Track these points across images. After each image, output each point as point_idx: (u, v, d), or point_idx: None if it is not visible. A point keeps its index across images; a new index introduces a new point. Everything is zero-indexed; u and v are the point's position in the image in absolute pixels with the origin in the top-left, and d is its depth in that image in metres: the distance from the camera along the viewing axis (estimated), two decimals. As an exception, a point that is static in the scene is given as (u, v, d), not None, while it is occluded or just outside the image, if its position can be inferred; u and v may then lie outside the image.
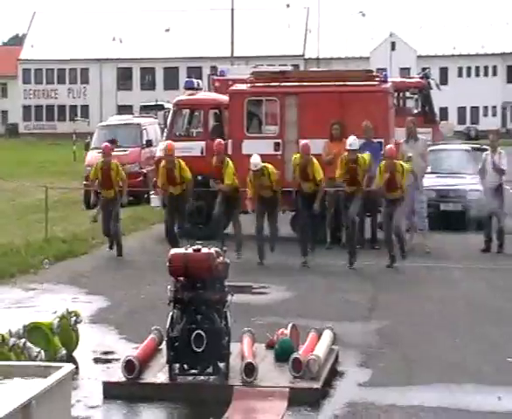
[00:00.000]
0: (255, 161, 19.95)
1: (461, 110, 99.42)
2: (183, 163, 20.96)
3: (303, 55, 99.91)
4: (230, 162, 21.27)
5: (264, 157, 24.31)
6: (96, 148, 32.06)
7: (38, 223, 24.08)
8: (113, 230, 21.35)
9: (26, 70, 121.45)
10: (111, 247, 21.60)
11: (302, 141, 20.81)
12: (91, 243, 22.24)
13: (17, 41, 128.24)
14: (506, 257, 21.24)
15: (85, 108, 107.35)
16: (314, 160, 19.86)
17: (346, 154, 20.07)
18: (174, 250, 11.85)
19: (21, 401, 5.71)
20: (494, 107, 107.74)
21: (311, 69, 51.86)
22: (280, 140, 24.72)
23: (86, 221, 24.86)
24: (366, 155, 20.50)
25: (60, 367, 6.48)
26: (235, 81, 28.61)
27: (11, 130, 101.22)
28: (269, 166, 20.41)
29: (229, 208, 21.70)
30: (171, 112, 28.62)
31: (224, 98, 26.71)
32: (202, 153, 25.68)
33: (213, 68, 45.18)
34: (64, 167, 25.25)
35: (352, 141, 19.66)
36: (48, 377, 6.22)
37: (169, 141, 22.97)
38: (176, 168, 20.87)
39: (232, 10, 53.23)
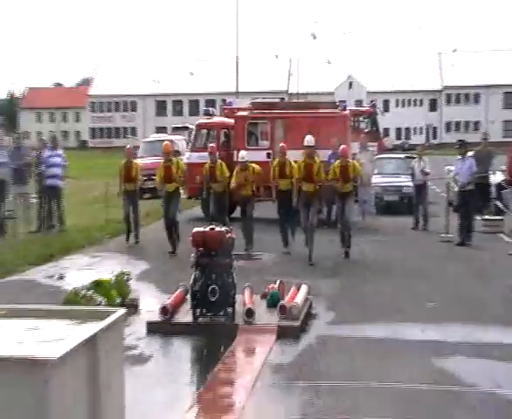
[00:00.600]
0: (242, 154, 19.00)
1: (398, 130, 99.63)
2: (224, 165, 19.43)
3: (287, 90, 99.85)
4: (222, 163, 19.64)
5: (259, 163, 24.40)
6: (142, 157, 31.78)
7: (101, 209, 24.00)
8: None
9: (93, 103, 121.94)
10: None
11: (280, 144, 19.25)
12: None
13: (86, 82, 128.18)
14: (428, 233, 21.53)
15: (134, 129, 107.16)
16: (291, 160, 18.55)
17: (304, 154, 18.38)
18: (195, 229, 11.95)
19: (89, 334, 5.75)
20: (421, 128, 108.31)
21: (292, 100, 51.55)
22: (270, 151, 24.67)
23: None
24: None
25: (116, 311, 6.50)
26: (239, 109, 28.56)
27: (82, 145, 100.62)
28: (254, 165, 19.03)
29: (221, 204, 19.79)
30: (194, 131, 28.61)
31: (231, 121, 26.65)
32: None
33: (223, 100, 44.81)
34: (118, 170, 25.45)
35: (308, 139, 17.97)
36: (107, 318, 6.24)
37: (166, 142, 21.84)
38: (173, 165, 18.92)
39: (237, 58, 53.18)
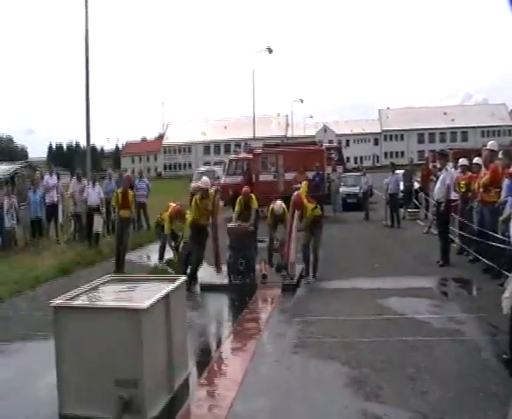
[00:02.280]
0: (205, 180, 12.20)
1: (355, 157, 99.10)
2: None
3: (286, 135, 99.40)
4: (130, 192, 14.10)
5: (268, 182, 24.48)
6: (195, 182, 31.77)
7: None
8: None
9: (165, 148, 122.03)
10: None
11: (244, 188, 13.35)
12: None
13: (160, 136, 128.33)
14: (372, 222, 21.28)
15: (190, 164, 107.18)
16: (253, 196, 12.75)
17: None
18: (229, 225, 11.98)
19: (165, 292, 5.83)
20: (369, 156, 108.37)
21: (289, 142, 51.53)
22: (276, 174, 24.71)
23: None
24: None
25: (180, 278, 6.58)
26: (255, 148, 28.66)
27: (159, 175, 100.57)
28: (215, 193, 11.91)
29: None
30: (228, 163, 28.65)
31: (251, 156, 26.66)
32: (241, 181, 25.74)
33: (245, 144, 44.95)
34: (184, 191, 25.06)
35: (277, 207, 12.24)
36: (176, 282, 6.32)
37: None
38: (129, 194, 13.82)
39: (254, 116, 53.05)
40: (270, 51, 49.88)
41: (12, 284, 11.81)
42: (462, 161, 13.63)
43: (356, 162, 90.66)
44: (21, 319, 9.45)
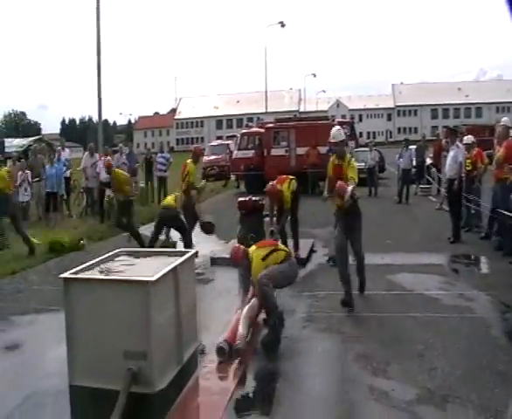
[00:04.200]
0: None
1: (368, 133, 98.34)
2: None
3: (298, 110, 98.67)
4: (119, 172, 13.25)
5: (280, 156, 24.41)
6: (207, 155, 31.72)
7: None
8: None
9: (177, 123, 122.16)
10: None
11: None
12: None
13: (172, 111, 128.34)
14: (383, 198, 21.13)
15: (202, 138, 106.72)
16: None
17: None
18: (240, 198, 11.88)
19: (173, 265, 5.84)
20: (382, 132, 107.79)
21: (301, 116, 51.31)
22: (287, 148, 24.64)
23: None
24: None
25: (190, 251, 6.59)
26: (267, 123, 28.57)
27: (171, 150, 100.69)
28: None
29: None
30: (239, 137, 28.58)
31: (262, 130, 26.62)
32: (252, 156, 25.72)
33: (258, 118, 44.96)
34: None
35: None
36: (184, 255, 6.33)
37: (108, 158, 15.56)
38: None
39: (266, 92, 52.92)
40: (282, 25, 49.58)
41: (24, 258, 11.92)
42: (467, 139, 13.57)
43: (368, 138, 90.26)
44: (33, 292, 9.55)
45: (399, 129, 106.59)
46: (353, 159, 7.62)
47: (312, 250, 11.72)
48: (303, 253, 11.09)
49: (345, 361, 5.87)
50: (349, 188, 7.36)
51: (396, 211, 17.90)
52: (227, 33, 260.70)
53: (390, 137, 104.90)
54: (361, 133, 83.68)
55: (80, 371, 5.47)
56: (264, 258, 6.99)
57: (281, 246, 7.68)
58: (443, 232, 12.85)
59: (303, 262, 10.54)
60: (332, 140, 7.59)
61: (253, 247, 7.29)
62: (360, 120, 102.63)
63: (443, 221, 13.68)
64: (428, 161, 22.63)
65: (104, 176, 17.12)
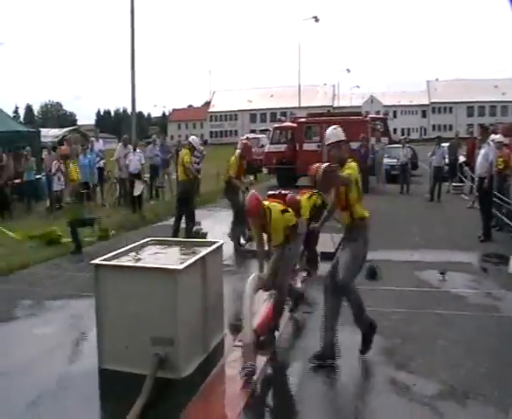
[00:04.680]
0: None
1: (402, 129, 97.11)
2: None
3: (332, 105, 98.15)
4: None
5: (312, 151, 24.34)
6: (239, 149, 31.80)
7: (213, 182, 23.72)
8: None
9: (211, 116, 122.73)
10: None
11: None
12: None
13: (206, 103, 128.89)
14: (415, 195, 20.90)
15: (236, 131, 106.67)
16: None
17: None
18: (269, 192, 11.79)
19: (201, 254, 5.97)
20: (416, 128, 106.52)
21: (334, 111, 50.99)
22: (319, 144, 24.59)
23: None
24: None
25: (218, 242, 6.71)
26: (300, 117, 28.61)
27: (204, 143, 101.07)
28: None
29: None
30: (272, 131, 28.71)
31: (295, 125, 26.66)
32: (285, 150, 25.75)
33: (291, 113, 44.83)
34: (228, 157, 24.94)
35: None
36: (213, 245, 6.46)
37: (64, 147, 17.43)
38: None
39: (299, 86, 52.85)
40: (316, 19, 49.33)
41: (59, 245, 12.20)
42: (498, 137, 13.46)
43: (403, 134, 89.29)
44: (66, 278, 9.80)
45: (434, 126, 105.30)
46: (353, 163, 5.91)
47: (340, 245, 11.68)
48: (331, 248, 11.05)
49: (368, 355, 5.90)
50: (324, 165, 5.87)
51: (427, 209, 17.79)
52: (262, 27, 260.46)
53: (425, 134, 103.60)
54: (395, 130, 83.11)
55: (109, 355, 5.66)
56: (283, 212, 6.52)
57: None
58: (474, 231, 12.75)
59: (331, 256, 10.51)
60: (327, 142, 5.96)
61: (267, 202, 6.68)
62: (394, 116, 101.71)
63: (474, 219, 13.54)
64: (461, 158, 22.39)
65: (134, 167, 17.39)
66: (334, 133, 6.01)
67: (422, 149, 31.90)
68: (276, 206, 6.54)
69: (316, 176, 6.06)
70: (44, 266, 10.68)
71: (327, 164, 5.85)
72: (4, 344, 6.73)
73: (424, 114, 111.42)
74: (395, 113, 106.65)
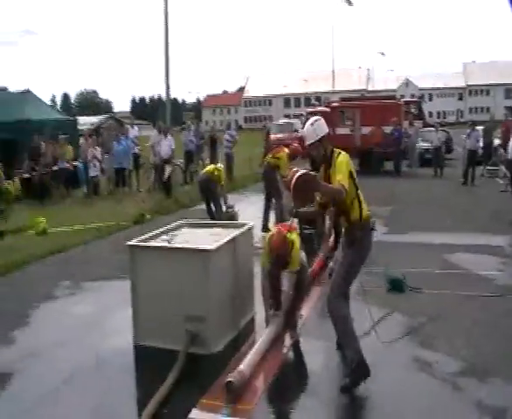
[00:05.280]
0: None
1: (438, 113, 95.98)
2: None
3: (366, 89, 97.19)
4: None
5: (345, 135, 24.33)
6: (274, 133, 31.93)
7: (246, 166, 23.84)
8: None
9: (245, 101, 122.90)
10: None
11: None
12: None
13: (241, 89, 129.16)
14: (448, 178, 20.67)
15: (270, 117, 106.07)
16: None
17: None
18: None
19: (232, 235, 6.21)
20: (452, 111, 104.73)
21: (366, 95, 50.64)
22: (352, 127, 24.57)
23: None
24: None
25: (248, 224, 6.93)
26: (333, 102, 28.59)
27: (239, 128, 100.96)
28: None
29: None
30: (305, 116, 28.72)
31: (328, 109, 26.60)
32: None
33: (326, 98, 44.75)
34: (259, 141, 24.77)
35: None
36: (243, 227, 6.70)
37: None
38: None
39: (333, 72, 52.57)
40: (350, 2, 48.98)
41: (94, 230, 12.62)
42: None
43: (438, 117, 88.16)
44: (103, 260, 10.18)
45: (471, 109, 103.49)
46: (341, 154, 5.04)
47: (372, 228, 11.78)
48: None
49: (392, 333, 6.06)
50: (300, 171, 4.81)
51: (460, 192, 17.71)
52: (296, 11, 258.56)
53: (461, 117, 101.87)
54: (430, 113, 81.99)
55: (144, 332, 5.98)
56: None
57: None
58: (506, 214, 12.73)
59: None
60: (306, 143, 5.13)
61: (289, 233, 6.25)
62: (430, 99, 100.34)
63: (507, 203, 13.52)
64: (496, 141, 22.15)
65: (164, 153, 17.74)
66: (311, 130, 5.10)
67: (458, 132, 31.55)
68: (297, 238, 6.38)
69: (290, 186, 4.83)
70: (81, 248, 11.14)
71: (303, 171, 4.79)
72: (45, 322, 7.15)
73: (460, 97, 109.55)
74: (431, 96, 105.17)
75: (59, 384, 5.31)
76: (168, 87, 19.35)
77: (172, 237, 6.57)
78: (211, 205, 12.32)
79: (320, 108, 29.84)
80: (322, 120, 5.20)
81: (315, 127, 5.08)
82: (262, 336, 5.86)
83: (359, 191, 5.10)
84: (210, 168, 12.85)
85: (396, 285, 7.71)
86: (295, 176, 4.72)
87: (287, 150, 12.09)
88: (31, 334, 6.77)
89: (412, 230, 11.90)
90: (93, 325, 6.87)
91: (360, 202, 5.08)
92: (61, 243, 11.26)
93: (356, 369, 4.90)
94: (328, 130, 5.13)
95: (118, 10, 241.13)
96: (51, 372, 5.59)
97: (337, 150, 5.06)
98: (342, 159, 4.96)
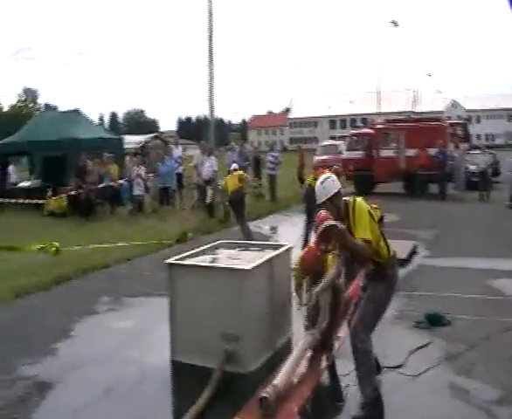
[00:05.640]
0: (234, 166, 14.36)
1: (486, 135, 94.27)
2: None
3: (412, 111, 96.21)
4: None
5: (389, 158, 24.20)
6: (318, 155, 32.08)
7: (289, 188, 23.83)
8: None
9: (291, 123, 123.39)
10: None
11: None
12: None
13: (286, 110, 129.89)
14: (494, 202, 20.17)
15: (315, 138, 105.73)
16: None
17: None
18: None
19: (269, 256, 6.28)
20: (502, 133, 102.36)
21: (411, 117, 50.24)
22: (397, 150, 24.39)
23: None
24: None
25: (286, 245, 6.99)
26: (378, 124, 28.45)
27: (284, 149, 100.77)
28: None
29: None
30: (349, 138, 28.71)
31: (372, 131, 26.51)
32: (362, 156, 25.53)
33: (372, 119, 44.55)
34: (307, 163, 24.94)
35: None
36: (280, 248, 6.76)
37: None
38: None
39: (378, 93, 52.27)
40: (395, 24, 48.90)
41: (138, 247, 12.86)
42: None
43: (487, 140, 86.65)
44: (145, 277, 10.40)
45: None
46: (357, 203, 4.82)
47: (414, 252, 11.72)
48: (403, 254, 11.11)
49: (429, 359, 6.01)
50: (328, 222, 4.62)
51: (505, 216, 17.32)
52: (342, 32, 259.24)
53: (511, 139, 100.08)
54: (479, 136, 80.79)
55: (181, 348, 6.10)
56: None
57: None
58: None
59: (402, 263, 10.58)
60: (318, 201, 4.95)
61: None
62: (478, 121, 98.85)
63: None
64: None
65: (205, 174, 17.89)
66: (321, 189, 4.91)
67: (506, 155, 30.98)
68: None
69: (317, 231, 4.76)
70: (123, 266, 11.39)
71: (331, 223, 4.61)
72: (87, 336, 7.35)
73: (510, 118, 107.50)
74: (479, 117, 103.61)
75: (98, 396, 5.47)
76: (212, 106, 19.57)
77: (210, 256, 6.69)
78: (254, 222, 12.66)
79: (364, 130, 29.83)
80: (333, 178, 4.97)
81: (325, 186, 4.89)
82: (294, 351, 5.85)
83: (380, 231, 4.98)
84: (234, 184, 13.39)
85: (435, 321, 7.26)
86: (322, 226, 4.61)
87: (328, 172, 12.10)
88: (72, 348, 6.96)
89: (456, 254, 11.74)
90: (133, 340, 7.03)
91: (385, 239, 5.01)
92: (105, 260, 11.54)
93: (372, 404, 4.87)
94: (340, 186, 4.91)
95: (165, 30, 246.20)
96: (90, 384, 5.76)
97: (350, 201, 4.86)
98: (359, 209, 4.77)
